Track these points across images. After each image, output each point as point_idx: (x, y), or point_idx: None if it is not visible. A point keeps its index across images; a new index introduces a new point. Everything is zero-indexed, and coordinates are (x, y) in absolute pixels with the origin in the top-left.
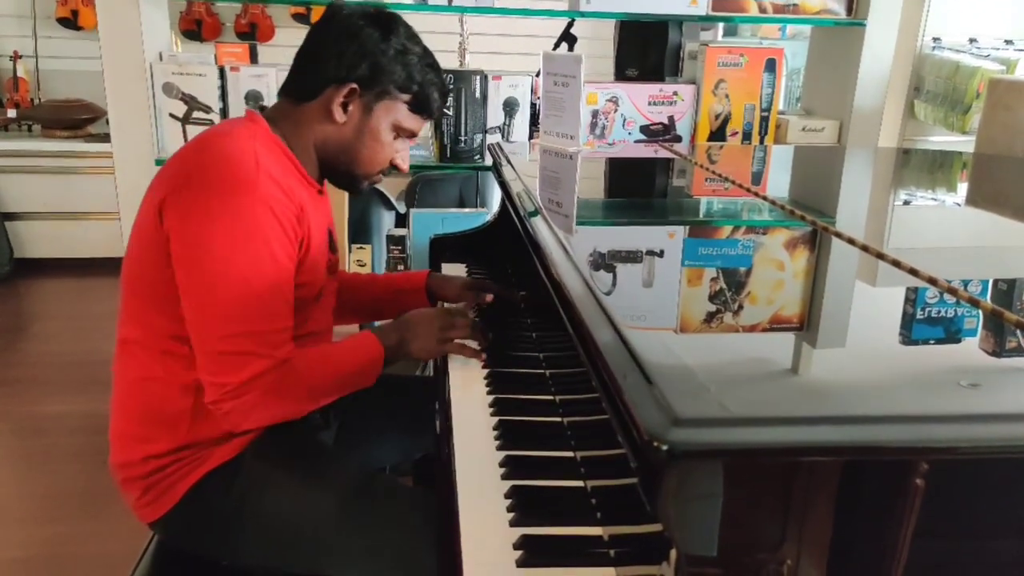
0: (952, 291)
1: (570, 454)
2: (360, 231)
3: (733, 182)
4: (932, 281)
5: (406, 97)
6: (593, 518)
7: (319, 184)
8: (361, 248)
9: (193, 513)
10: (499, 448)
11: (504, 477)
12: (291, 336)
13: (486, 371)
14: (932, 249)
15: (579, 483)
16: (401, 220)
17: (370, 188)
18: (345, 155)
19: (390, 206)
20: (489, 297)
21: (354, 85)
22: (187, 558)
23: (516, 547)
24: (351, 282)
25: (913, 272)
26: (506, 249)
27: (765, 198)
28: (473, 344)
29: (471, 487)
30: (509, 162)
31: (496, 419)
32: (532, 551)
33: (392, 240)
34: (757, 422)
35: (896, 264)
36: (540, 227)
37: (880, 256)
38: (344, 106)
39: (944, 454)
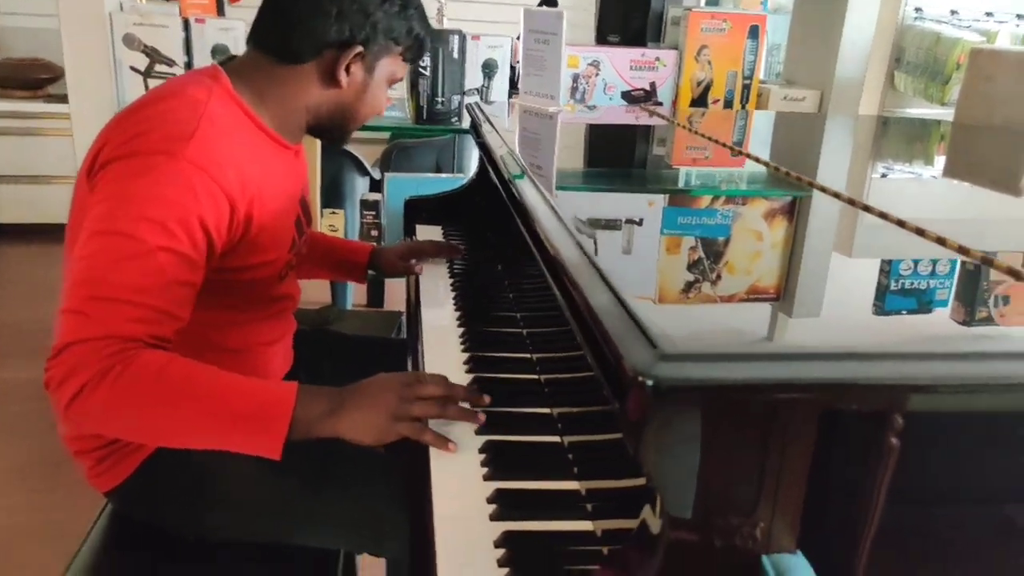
0: (940, 241)
1: (547, 411)
2: (332, 196)
3: (716, 141)
4: (920, 232)
5: (403, 48)
6: (570, 473)
7: (295, 144)
8: (334, 213)
9: (150, 484)
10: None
11: (478, 432)
12: (165, 325)
13: (462, 329)
14: (911, 220)
15: (556, 439)
16: (375, 186)
17: (343, 151)
18: (343, 115)
19: (364, 171)
20: (419, 268)
21: (360, 48)
22: (142, 527)
23: (490, 501)
24: None
25: (900, 223)
26: (484, 211)
27: (749, 155)
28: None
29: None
30: (490, 122)
31: (471, 376)
32: (506, 505)
33: (366, 205)
34: (745, 358)
35: (883, 216)
36: (527, 190)
37: (867, 209)
38: (347, 68)
39: (929, 392)
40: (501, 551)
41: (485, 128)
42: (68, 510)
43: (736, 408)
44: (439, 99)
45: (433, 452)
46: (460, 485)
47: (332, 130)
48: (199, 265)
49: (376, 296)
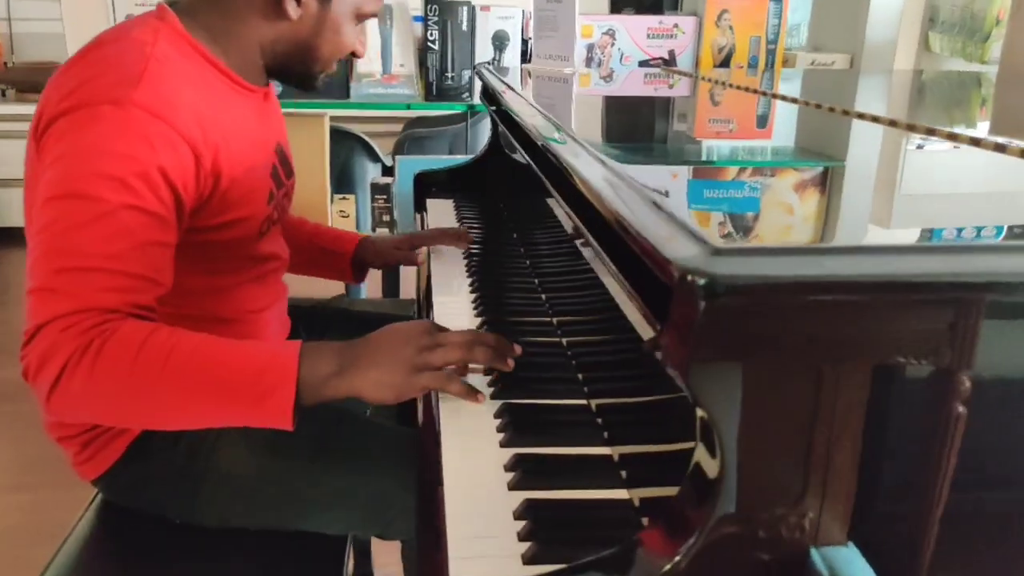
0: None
1: (572, 374)
2: (343, 181)
3: (745, 89)
4: (975, 143)
5: None
6: (599, 438)
7: (261, 86)
8: (344, 199)
9: (138, 469)
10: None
11: (494, 396)
12: (145, 292)
13: (475, 295)
14: (947, 196)
15: (582, 402)
16: (387, 172)
17: (354, 136)
18: (301, 54)
19: (375, 158)
20: (419, 259)
21: None
22: (134, 516)
23: (508, 468)
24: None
25: (952, 137)
26: (500, 180)
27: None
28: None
29: (455, 407)
30: (505, 83)
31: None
32: (527, 472)
33: (377, 189)
34: (817, 252)
35: (931, 132)
36: (568, 149)
37: (911, 128)
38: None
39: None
40: (522, 523)
41: (503, 91)
42: (57, 509)
43: (808, 311)
44: (449, 74)
45: (443, 416)
46: (474, 451)
47: (293, 71)
48: (170, 223)
49: (392, 286)
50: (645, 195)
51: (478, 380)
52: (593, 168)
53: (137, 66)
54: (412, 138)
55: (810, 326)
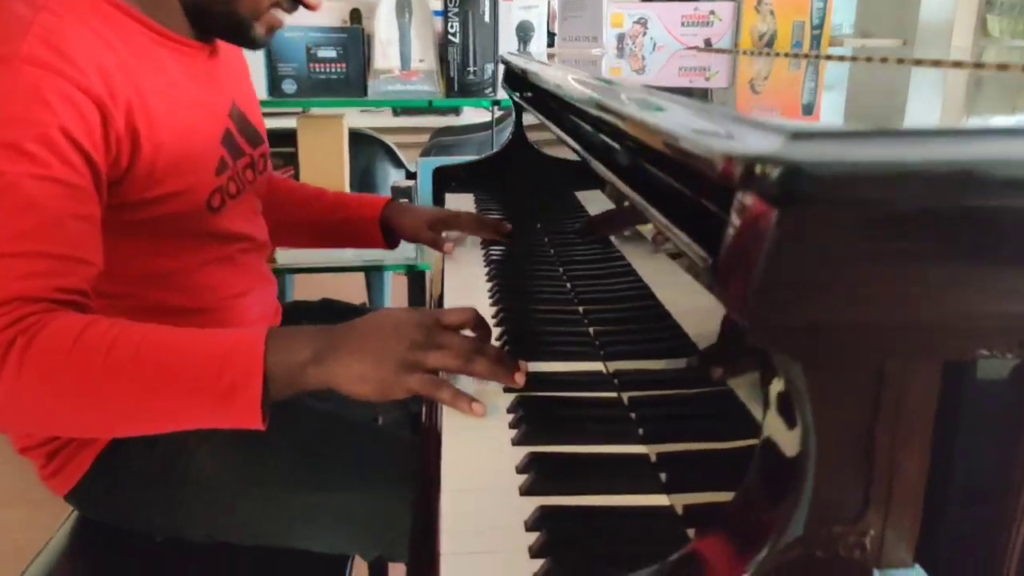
0: None
1: (599, 366)
2: (365, 187)
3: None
4: None
5: None
6: (633, 435)
7: (201, 42)
8: None
9: (110, 481)
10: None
11: (508, 388)
12: (72, 274)
13: (491, 284)
14: None
15: (611, 394)
16: (411, 178)
17: (377, 141)
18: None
19: (399, 164)
20: (448, 247)
21: None
22: (115, 534)
23: (521, 470)
24: (294, 195)
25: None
26: (522, 175)
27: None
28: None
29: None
30: (530, 57)
31: (500, 329)
32: (544, 474)
33: (398, 192)
34: (953, 134)
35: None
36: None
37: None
38: None
39: None
40: (535, 535)
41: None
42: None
43: (940, 215)
44: (471, 68)
45: (448, 409)
46: (480, 450)
47: (216, 18)
48: (86, 191)
49: (416, 294)
50: (700, 106)
51: (492, 384)
52: (635, 95)
53: (23, 19)
54: (439, 147)
55: (947, 235)
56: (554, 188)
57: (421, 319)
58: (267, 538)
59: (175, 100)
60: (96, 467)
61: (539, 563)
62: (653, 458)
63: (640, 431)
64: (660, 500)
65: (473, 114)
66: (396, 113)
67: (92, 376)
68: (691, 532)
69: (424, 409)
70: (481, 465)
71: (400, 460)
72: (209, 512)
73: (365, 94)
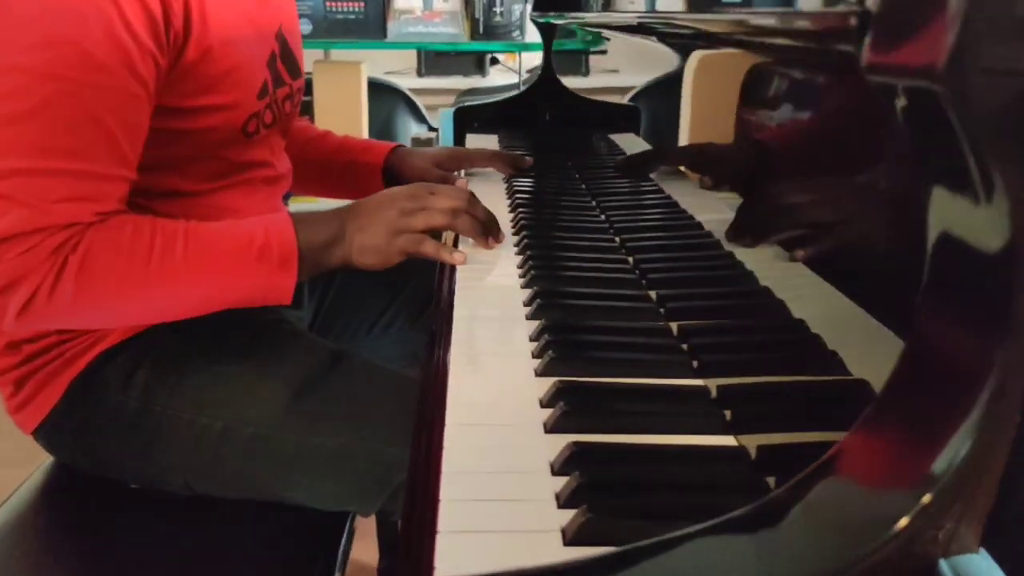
0: None
1: (642, 292)
2: (385, 138)
3: None
4: None
5: None
6: (686, 367)
7: None
8: None
9: (82, 416)
10: (527, 283)
11: (532, 316)
12: (110, 196)
13: (514, 214)
14: None
15: (657, 324)
16: (433, 131)
17: (398, 92)
18: None
19: (421, 118)
20: (462, 182)
21: None
22: (89, 482)
23: (546, 404)
24: (298, 133)
25: None
26: (551, 114)
27: None
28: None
29: (473, 321)
30: None
31: (523, 257)
32: (574, 407)
33: (418, 144)
34: None
35: None
36: None
37: None
38: None
39: None
40: (563, 480)
41: None
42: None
43: None
44: (497, 9)
45: (458, 332)
46: (495, 378)
47: None
48: (143, 99)
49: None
50: None
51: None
52: None
53: None
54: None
55: None
56: (586, 129)
57: (410, 189)
58: (253, 489)
59: (232, 7)
60: (66, 399)
61: (569, 515)
62: (713, 393)
63: (694, 363)
64: (723, 440)
65: (499, 76)
66: (420, 74)
67: (147, 273)
68: (770, 481)
69: (429, 339)
70: (495, 397)
71: (406, 403)
72: (188, 457)
73: (385, 36)
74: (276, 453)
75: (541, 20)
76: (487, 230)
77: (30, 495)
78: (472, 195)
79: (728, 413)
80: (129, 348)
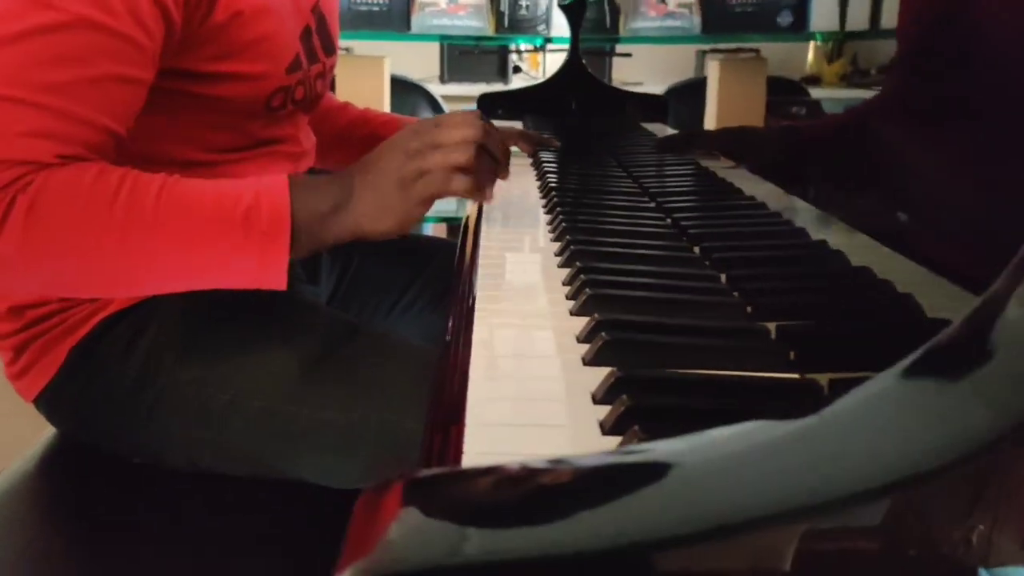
0: None
1: (685, 245)
2: None
3: None
4: None
5: None
6: (740, 311)
7: None
8: None
9: (82, 385)
10: (558, 236)
11: (565, 263)
12: (86, 140)
13: (542, 182)
14: None
15: (705, 271)
16: None
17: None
18: None
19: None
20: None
21: None
22: (91, 455)
23: (583, 339)
24: (324, 106)
25: None
26: (579, 102)
27: None
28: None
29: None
30: None
31: (552, 215)
32: (616, 340)
33: None
34: None
35: None
36: None
37: None
38: None
39: None
40: (606, 409)
41: None
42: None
43: None
44: (523, 3)
45: (482, 275)
46: (527, 317)
47: None
48: (148, 54)
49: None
50: None
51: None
52: None
53: None
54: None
55: None
56: (615, 118)
57: (416, 126)
58: (260, 466)
59: None
60: (65, 369)
61: (614, 441)
62: (773, 333)
63: (748, 309)
64: (790, 376)
65: (522, 83)
66: (443, 80)
67: (109, 224)
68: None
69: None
70: (527, 334)
71: (425, 378)
72: (192, 432)
73: (408, 28)
74: (285, 428)
75: (568, 1)
76: (503, 161)
77: (30, 466)
78: (487, 121)
79: (793, 354)
80: (131, 316)
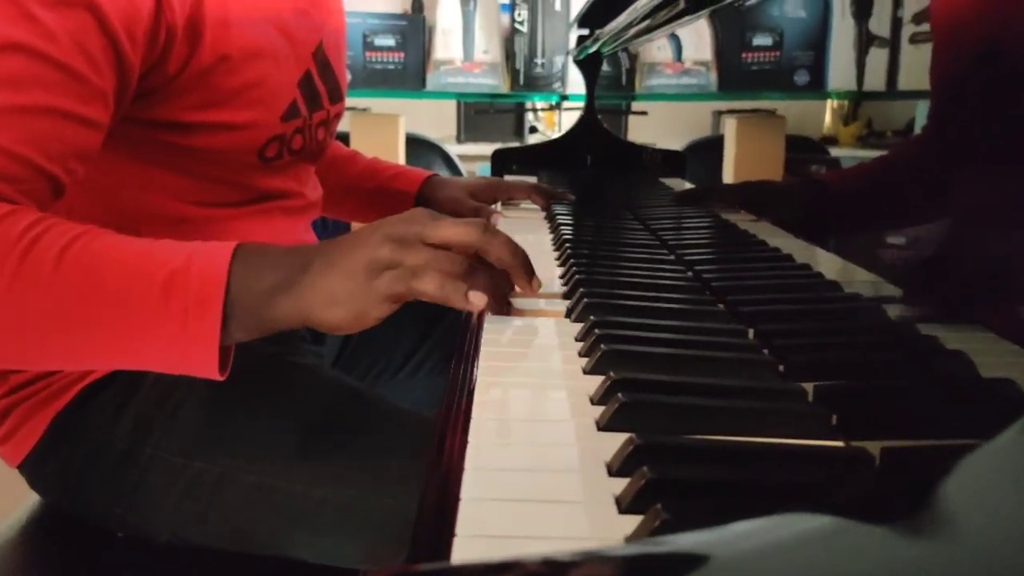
0: None
1: (709, 299)
2: None
3: None
4: None
5: None
6: (771, 370)
7: None
8: None
9: (66, 453)
10: (571, 290)
11: (577, 318)
12: (20, 179)
13: (555, 234)
14: None
15: (731, 326)
16: None
17: (433, 147)
18: None
19: (457, 172)
20: (496, 216)
21: None
22: (76, 527)
23: (597, 401)
24: (331, 155)
25: None
26: (594, 156)
27: None
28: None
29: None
30: None
31: (563, 269)
32: (634, 404)
33: None
34: None
35: None
36: None
37: None
38: None
39: None
40: (623, 482)
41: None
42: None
43: None
44: (538, 60)
45: (489, 328)
46: (535, 377)
47: None
48: (94, 90)
49: None
50: None
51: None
52: None
53: None
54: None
55: None
56: (633, 173)
57: (411, 213)
58: (250, 544)
59: (260, 10)
60: (49, 436)
61: (632, 520)
62: (811, 395)
63: (780, 367)
64: (833, 443)
65: (538, 141)
66: (460, 140)
67: (35, 288)
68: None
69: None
70: (533, 394)
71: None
72: (178, 506)
73: (424, 86)
74: (280, 505)
75: (583, 56)
76: (524, 269)
77: (13, 533)
78: (492, 227)
79: (835, 419)
80: (118, 382)
